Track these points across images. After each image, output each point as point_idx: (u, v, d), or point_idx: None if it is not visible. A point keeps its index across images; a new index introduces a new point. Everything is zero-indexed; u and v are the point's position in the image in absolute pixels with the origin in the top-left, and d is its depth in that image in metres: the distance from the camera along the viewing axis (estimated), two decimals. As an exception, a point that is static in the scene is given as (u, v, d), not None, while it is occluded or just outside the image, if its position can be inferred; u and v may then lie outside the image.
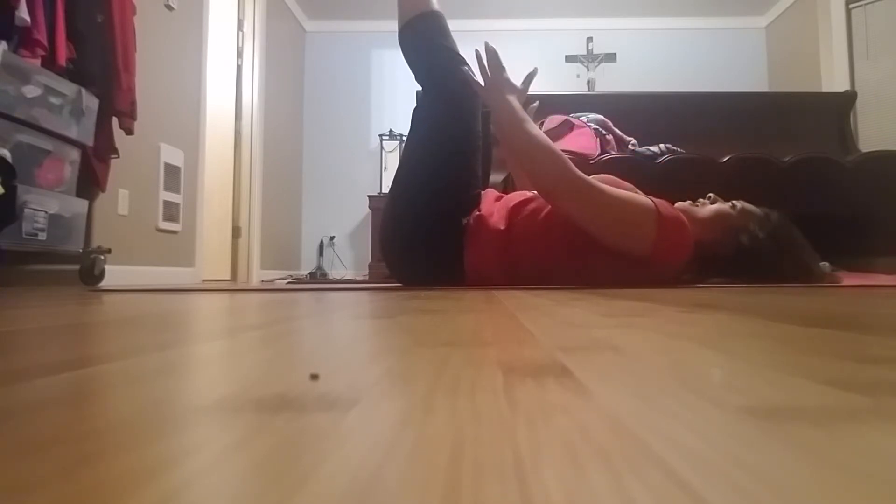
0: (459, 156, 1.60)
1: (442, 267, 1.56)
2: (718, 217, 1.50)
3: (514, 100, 1.49)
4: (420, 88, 1.71)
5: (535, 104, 1.68)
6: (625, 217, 1.39)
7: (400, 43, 1.68)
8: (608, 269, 1.53)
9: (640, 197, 1.43)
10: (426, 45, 1.65)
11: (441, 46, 1.64)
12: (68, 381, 0.25)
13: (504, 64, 1.56)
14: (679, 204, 1.55)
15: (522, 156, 1.44)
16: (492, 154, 1.81)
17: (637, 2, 5.32)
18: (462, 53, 1.68)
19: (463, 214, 1.56)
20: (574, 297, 0.93)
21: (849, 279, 1.79)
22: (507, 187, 2.07)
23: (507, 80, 1.52)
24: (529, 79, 1.58)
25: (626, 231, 1.39)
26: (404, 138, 5.24)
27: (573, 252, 1.48)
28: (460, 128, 1.61)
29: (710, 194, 1.57)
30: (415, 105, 1.70)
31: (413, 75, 1.68)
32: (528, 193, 1.62)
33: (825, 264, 1.58)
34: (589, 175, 1.46)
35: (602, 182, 1.45)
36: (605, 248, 1.45)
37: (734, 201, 1.54)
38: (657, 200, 1.42)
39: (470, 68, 1.65)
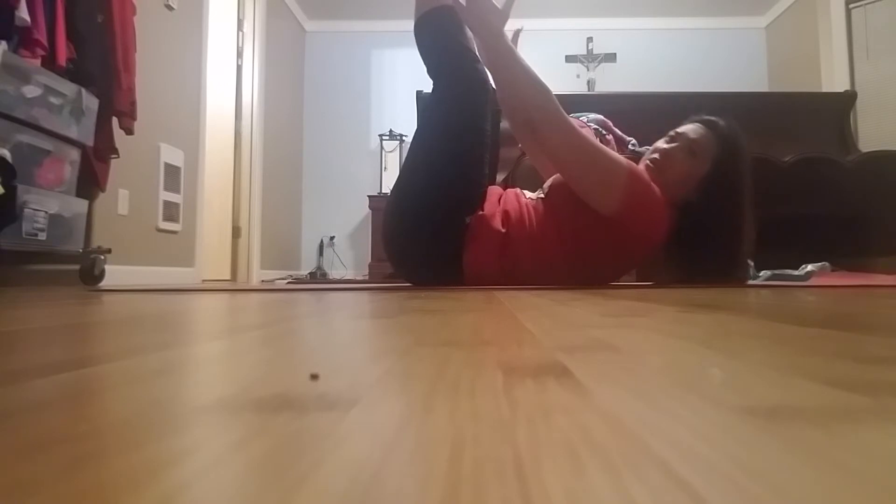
0: (467, 153, 1.60)
1: (441, 265, 1.56)
2: (669, 157, 1.50)
3: (497, 23, 1.50)
4: (430, 83, 1.70)
5: (521, 28, 1.69)
6: (598, 163, 1.41)
7: (415, 35, 1.67)
8: (606, 270, 1.54)
9: (616, 154, 1.46)
10: (441, 39, 1.64)
11: (456, 42, 1.63)
12: (68, 381, 0.25)
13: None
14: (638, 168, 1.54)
15: (507, 81, 1.47)
16: (499, 153, 1.80)
17: (637, 2, 5.32)
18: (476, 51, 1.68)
19: (467, 213, 1.56)
20: (574, 297, 0.93)
21: (849, 279, 1.79)
22: (507, 186, 2.07)
23: (490, 1, 1.53)
24: (510, 2, 1.58)
25: (597, 180, 1.42)
26: (404, 138, 5.25)
27: (571, 254, 1.49)
28: (469, 125, 1.61)
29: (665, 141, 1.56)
30: (421, 103, 1.69)
31: (425, 68, 1.68)
32: (527, 196, 1.62)
33: (826, 264, 1.59)
34: None
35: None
36: (604, 250, 1.46)
37: (678, 137, 1.53)
38: (632, 163, 1.45)
39: (482, 66, 1.64)
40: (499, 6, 1.55)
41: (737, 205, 1.48)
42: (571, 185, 1.47)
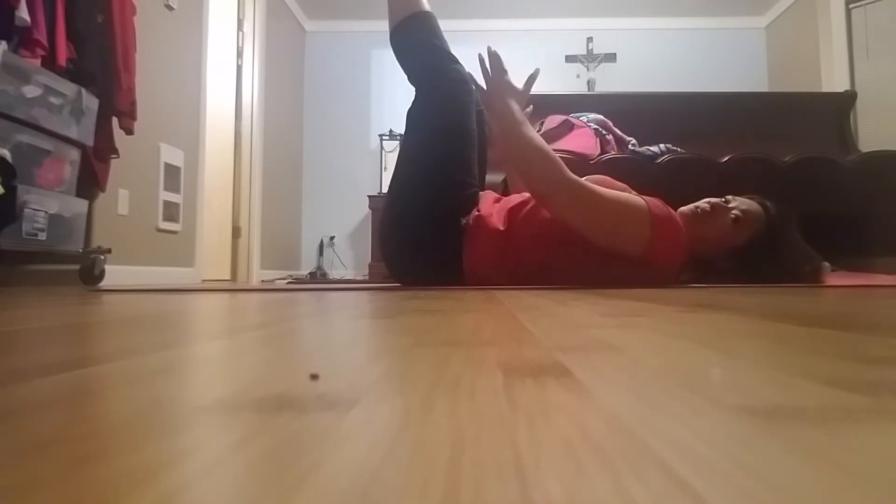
0: (454, 155, 1.61)
1: (440, 267, 1.56)
2: (721, 224, 1.49)
3: (513, 103, 1.49)
4: (414, 90, 1.71)
5: (530, 108, 1.68)
6: (617, 217, 1.39)
7: (392, 44, 1.69)
8: (607, 270, 1.53)
9: (633, 196, 1.44)
10: (418, 45, 1.65)
11: (433, 46, 1.64)
12: (68, 381, 0.25)
13: (505, 66, 1.56)
14: (682, 209, 1.54)
15: (518, 158, 1.45)
16: (487, 154, 1.81)
17: (637, 2, 5.32)
18: (457, 53, 1.69)
19: (462, 214, 1.56)
20: (574, 297, 0.93)
21: (849, 279, 1.79)
22: (506, 189, 2.07)
23: (509, 83, 1.53)
24: (531, 81, 1.58)
25: (620, 231, 1.40)
26: (404, 138, 5.26)
27: (572, 253, 1.49)
28: (454, 126, 1.62)
29: (728, 197, 1.55)
30: (409, 105, 1.70)
31: (406, 76, 1.69)
32: (527, 195, 1.62)
33: (826, 265, 1.59)
34: (586, 175, 1.46)
35: (595, 182, 1.46)
36: (603, 250, 1.45)
37: (732, 200, 1.52)
38: (649, 199, 1.43)
39: (462, 66, 1.65)
40: (518, 86, 1.54)
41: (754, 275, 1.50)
42: (595, 241, 1.43)
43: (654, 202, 1.42)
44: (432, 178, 1.57)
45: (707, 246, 1.50)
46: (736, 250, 1.49)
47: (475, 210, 1.58)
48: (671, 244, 1.41)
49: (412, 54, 1.66)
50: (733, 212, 1.49)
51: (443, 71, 1.63)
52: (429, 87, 1.64)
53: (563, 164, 1.43)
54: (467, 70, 1.67)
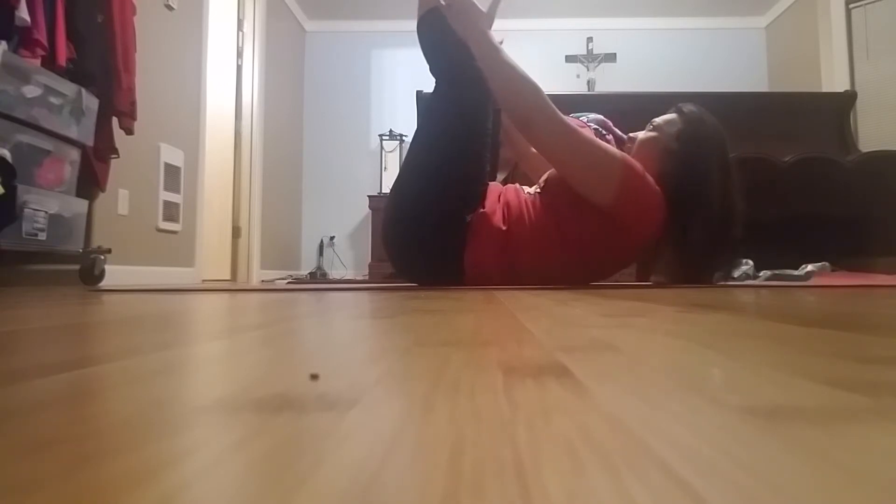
0: (468, 151, 1.60)
1: (441, 264, 1.56)
2: (643, 146, 1.57)
3: (481, 25, 1.52)
4: (432, 83, 1.71)
5: (502, 41, 1.72)
6: (591, 159, 1.44)
7: (418, 34, 1.68)
8: (605, 264, 1.54)
9: (611, 147, 1.49)
10: (444, 38, 1.64)
11: (458, 41, 1.63)
12: (68, 381, 0.25)
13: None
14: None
15: (501, 84, 1.49)
16: (499, 153, 1.81)
17: (637, 2, 5.32)
18: None
19: (468, 211, 1.56)
20: (574, 297, 0.93)
21: (849, 279, 1.79)
22: (507, 183, 2.07)
23: (473, 3, 1.55)
24: (495, 3, 1.60)
25: (593, 174, 1.44)
26: (404, 138, 5.25)
27: (569, 247, 1.49)
28: (470, 123, 1.61)
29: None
30: (421, 103, 1.70)
31: (428, 67, 1.68)
32: (528, 194, 1.62)
33: (826, 265, 1.60)
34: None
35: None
36: (601, 241, 1.46)
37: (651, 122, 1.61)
38: (626, 156, 1.47)
39: None
40: (483, 9, 1.57)
41: (705, 176, 1.51)
42: (566, 178, 1.49)
43: (630, 159, 1.46)
44: (443, 172, 1.57)
45: (653, 164, 1.52)
46: (675, 153, 1.51)
47: (480, 207, 1.58)
48: (642, 195, 1.44)
49: (437, 46, 1.66)
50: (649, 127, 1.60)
51: (464, 67, 1.62)
52: (449, 81, 1.64)
53: (546, 96, 1.48)
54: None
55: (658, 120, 1.60)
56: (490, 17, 1.57)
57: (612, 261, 1.56)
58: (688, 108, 1.59)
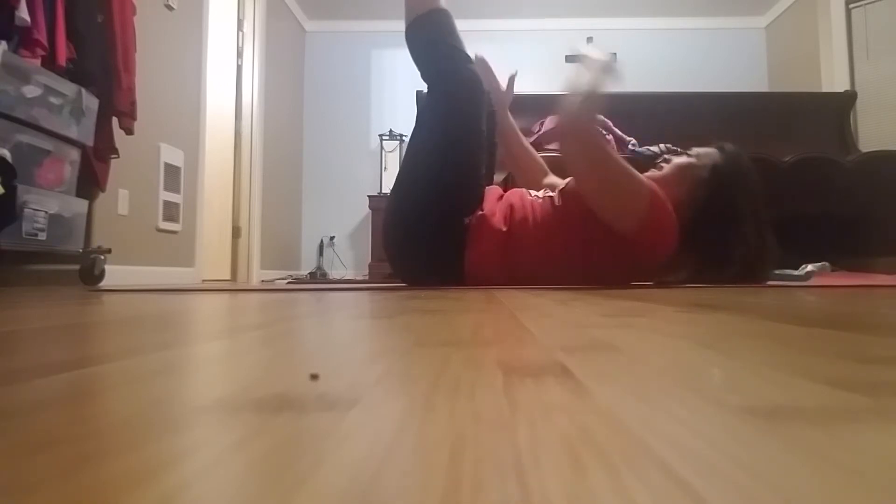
0: (464, 155, 1.60)
1: (442, 265, 1.56)
2: (679, 169, 1.56)
3: (593, 122, 1.50)
4: (426, 87, 1.71)
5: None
6: (623, 191, 1.42)
7: (407, 40, 1.68)
8: (606, 271, 1.54)
9: (641, 177, 1.47)
10: (433, 42, 1.64)
11: (448, 45, 1.63)
12: (68, 381, 0.25)
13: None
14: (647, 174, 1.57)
15: (591, 169, 1.45)
16: (496, 154, 1.81)
17: (637, 2, 5.32)
18: (468, 52, 1.69)
19: (466, 213, 1.56)
20: (574, 297, 0.93)
21: (849, 279, 1.79)
22: (507, 185, 2.07)
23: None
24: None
25: (620, 203, 1.42)
26: (404, 138, 5.25)
27: (574, 257, 1.49)
28: (465, 126, 1.61)
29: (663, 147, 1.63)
30: (420, 104, 1.72)
31: (419, 73, 1.68)
32: (529, 195, 1.62)
33: (826, 265, 1.60)
34: None
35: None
36: (608, 258, 1.47)
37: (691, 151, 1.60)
38: (653, 185, 1.46)
39: (474, 67, 1.66)
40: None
41: (731, 209, 1.51)
42: (589, 200, 1.46)
43: (656, 189, 1.45)
44: (440, 175, 1.57)
45: (677, 189, 1.51)
46: (704, 182, 1.51)
47: (479, 209, 1.58)
48: (662, 228, 1.43)
49: (426, 52, 1.66)
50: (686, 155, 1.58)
51: (456, 70, 1.62)
52: (442, 86, 1.64)
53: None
54: (473, 64, 1.69)
55: (699, 149, 1.61)
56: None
57: (616, 273, 1.56)
58: (729, 146, 1.60)
